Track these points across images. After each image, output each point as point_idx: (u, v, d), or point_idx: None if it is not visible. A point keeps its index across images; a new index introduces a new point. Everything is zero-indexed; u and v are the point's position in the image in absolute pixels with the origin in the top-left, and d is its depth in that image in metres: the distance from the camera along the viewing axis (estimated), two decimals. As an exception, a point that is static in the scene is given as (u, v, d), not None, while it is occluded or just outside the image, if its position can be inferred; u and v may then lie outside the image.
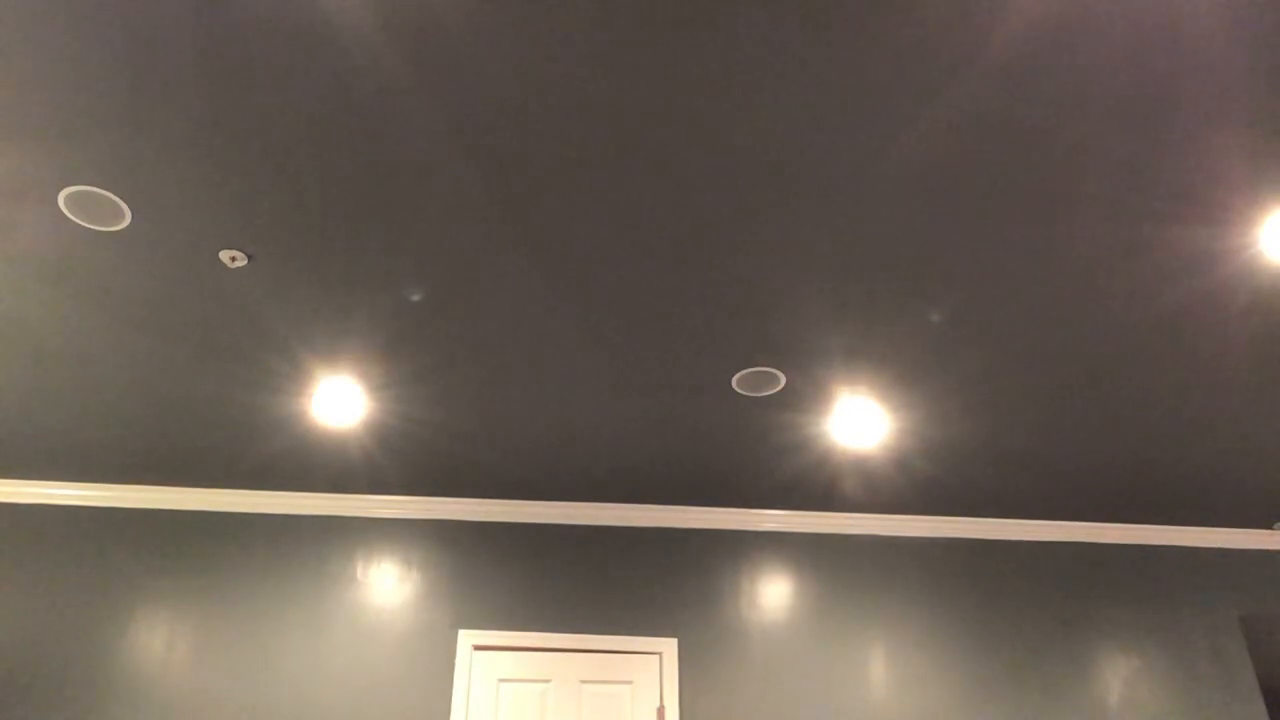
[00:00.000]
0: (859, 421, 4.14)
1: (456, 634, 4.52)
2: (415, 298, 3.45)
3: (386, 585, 4.66)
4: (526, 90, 2.70)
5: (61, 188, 2.97)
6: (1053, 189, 3.00)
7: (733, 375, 3.87)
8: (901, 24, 2.51)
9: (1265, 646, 4.92)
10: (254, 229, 3.16)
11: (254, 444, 4.35)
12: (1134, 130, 2.80)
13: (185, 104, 2.71)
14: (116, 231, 3.14)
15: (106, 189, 2.98)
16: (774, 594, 4.79)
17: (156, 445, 4.39)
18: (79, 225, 3.11)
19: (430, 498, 4.82)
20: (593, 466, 4.55)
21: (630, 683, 4.44)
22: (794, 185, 3.00)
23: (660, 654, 4.52)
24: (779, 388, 3.94)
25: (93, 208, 3.04)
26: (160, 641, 4.44)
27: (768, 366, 3.81)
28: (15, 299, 3.46)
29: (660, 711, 4.39)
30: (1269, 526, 5.01)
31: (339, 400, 3.99)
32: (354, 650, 4.48)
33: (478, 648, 4.50)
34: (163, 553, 4.65)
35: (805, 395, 3.99)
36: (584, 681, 4.43)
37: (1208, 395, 3.97)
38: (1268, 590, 4.94)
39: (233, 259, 3.27)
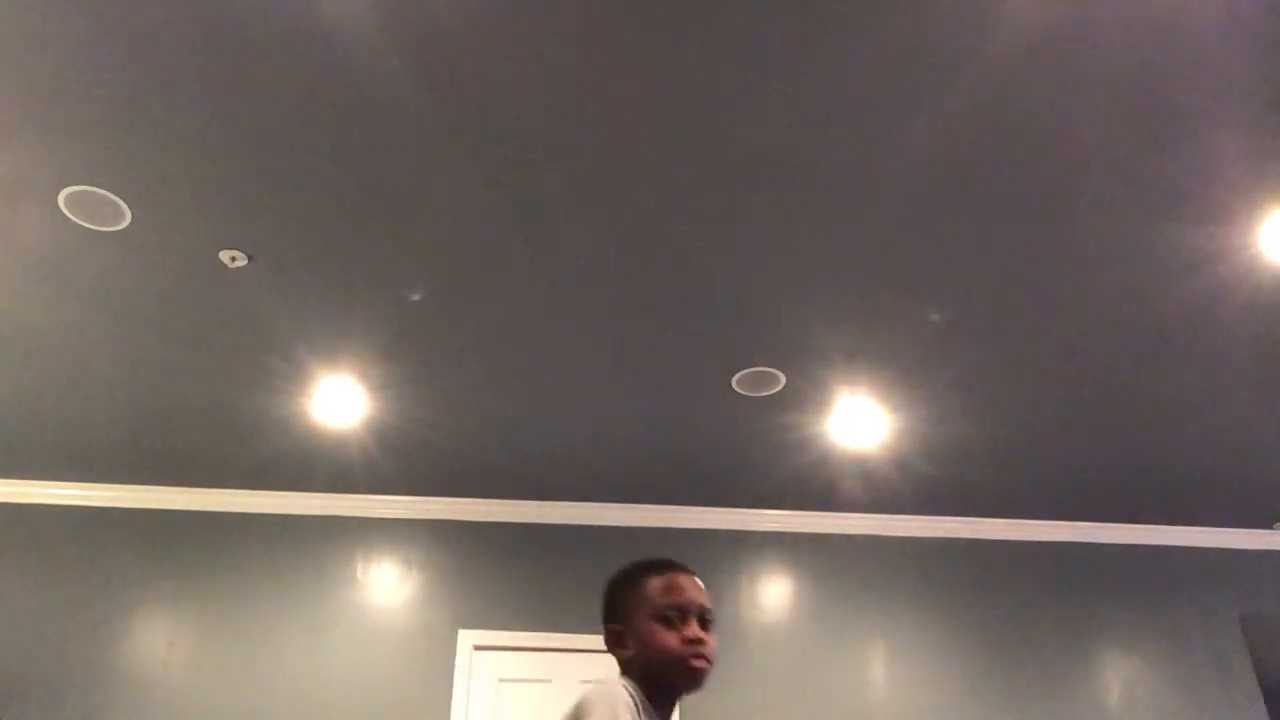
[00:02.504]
0: (859, 421, 4.14)
1: (456, 634, 4.51)
2: (415, 298, 3.44)
3: (386, 585, 4.66)
4: (526, 91, 2.70)
5: (61, 188, 2.97)
6: (1053, 189, 3.00)
7: (733, 375, 3.86)
8: (901, 25, 2.51)
9: (1265, 646, 4.91)
10: (254, 229, 3.15)
11: (254, 444, 4.35)
12: (1134, 130, 2.80)
13: (185, 104, 2.71)
14: (116, 231, 3.14)
15: (106, 189, 2.97)
16: (774, 594, 4.79)
17: (156, 445, 4.39)
18: (79, 225, 3.11)
19: (430, 498, 4.81)
20: (593, 466, 4.54)
21: (630, 683, 4.43)
22: (794, 185, 2.99)
23: (660, 654, 4.51)
24: (779, 388, 3.94)
25: (93, 208, 3.04)
26: (160, 641, 4.44)
27: (768, 366, 3.81)
28: (15, 299, 3.45)
29: (660, 711, 4.38)
30: (1269, 526, 5.01)
31: (339, 400, 3.99)
32: (354, 650, 4.48)
33: (478, 648, 4.49)
34: (163, 553, 4.64)
35: (805, 395, 3.98)
36: (584, 681, 4.35)
37: (1208, 395, 3.96)
38: (1268, 590, 4.94)
39: (233, 259, 3.26)
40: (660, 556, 1.77)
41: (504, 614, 4.58)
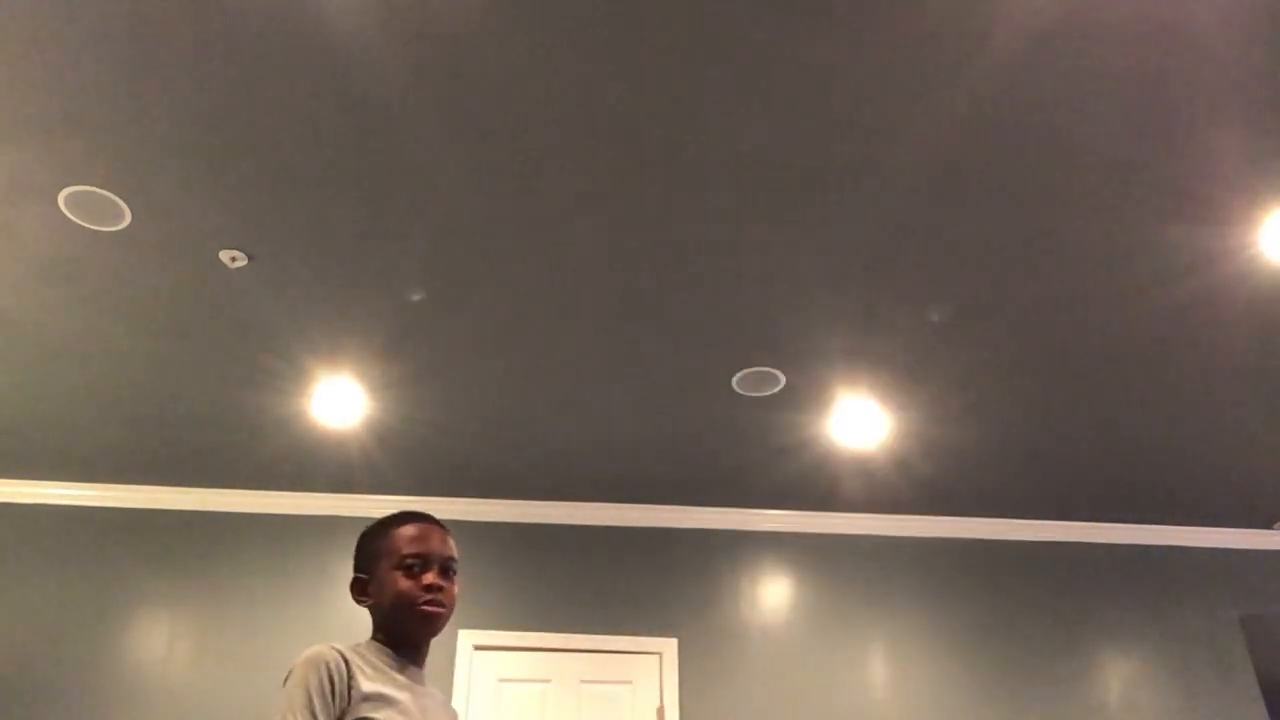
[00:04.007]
0: (859, 421, 4.14)
1: (456, 634, 4.51)
2: (415, 298, 3.45)
3: (386, 585, 4.65)
4: (526, 90, 2.70)
5: (61, 188, 2.97)
6: (1053, 189, 3.00)
7: (733, 375, 3.87)
8: (901, 24, 2.51)
9: (1265, 646, 4.92)
10: (254, 229, 3.15)
11: (254, 444, 4.35)
12: (1134, 130, 2.80)
13: (185, 104, 2.71)
14: (116, 231, 3.14)
15: (106, 189, 2.98)
16: (774, 594, 4.79)
17: (156, 445, 4.39)
18: (79, 225, 3.11)
19: (430, 498, 4.81)
20: (593, 466, 4.54)
21: (630, 683, 4.44)
22: (793, 185, 3.00)
23: (660, 654, 4.52)
24: (779, 388, 3.94)
25: (93, 208, 3.04)
26: (160, 641, 4.44)
27: (768, 366, 3.81)
28: (15, 299, 3.46)
29: (660, 711, 4.38)
30: (1269, 526, 5.01)
31: (339, 400, 3.99)
32: (354, 650, 4.47)
33: (478, 648, 4.50)
34: (163, 553, 4.64)
35: (805, 395, 3.98)
36: (584, 681, 4.43)
37: (1208, 395, 3.96)
38: (1268, 590, 4.94)
39: (233, 259, 3.27)
40: (411, 510, 1.84)
41: (504, 614, 4.59)
